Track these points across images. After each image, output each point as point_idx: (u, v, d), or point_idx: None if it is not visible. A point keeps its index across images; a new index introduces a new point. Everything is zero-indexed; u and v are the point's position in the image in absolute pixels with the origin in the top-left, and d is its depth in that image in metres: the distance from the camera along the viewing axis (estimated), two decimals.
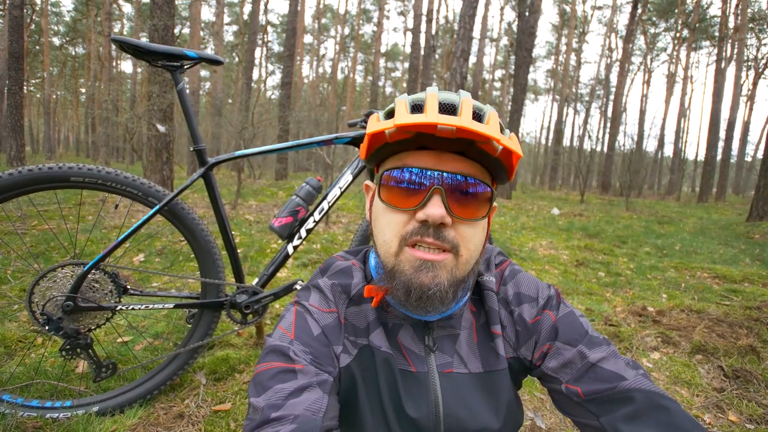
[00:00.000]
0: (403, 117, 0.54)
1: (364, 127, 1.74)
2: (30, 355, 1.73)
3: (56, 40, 29.53)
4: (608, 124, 24.64)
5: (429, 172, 0.56)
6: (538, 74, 42.19)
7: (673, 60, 28.57)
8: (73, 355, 1.35)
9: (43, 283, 1.30)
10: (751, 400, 1.75)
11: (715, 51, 21.09)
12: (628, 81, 30.49)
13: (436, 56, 21.44)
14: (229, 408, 1.51)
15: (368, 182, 0.71)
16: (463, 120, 0.52)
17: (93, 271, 1.34)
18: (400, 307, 0.62)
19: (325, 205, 1.68)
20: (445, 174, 0.56)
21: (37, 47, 25.76)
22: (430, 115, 0.52)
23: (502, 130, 0.58)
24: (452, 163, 0.57)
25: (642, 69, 32.70)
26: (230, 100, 26.85)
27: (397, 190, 0.58)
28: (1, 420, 1.26)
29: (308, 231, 1.66)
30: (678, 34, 26.73)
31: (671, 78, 28.80)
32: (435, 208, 0.55)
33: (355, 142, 1.67)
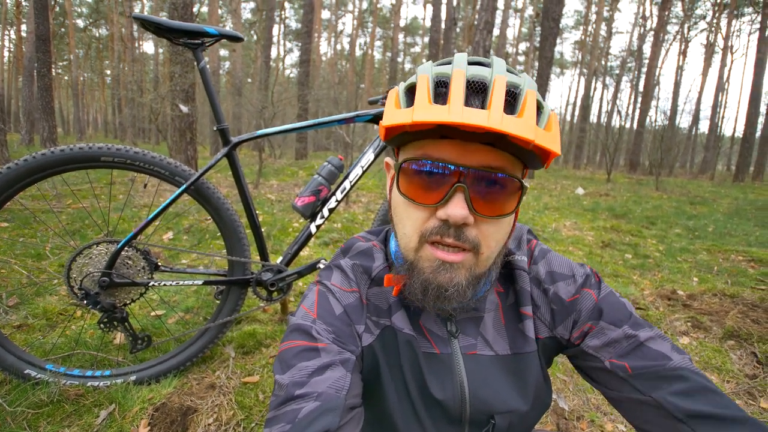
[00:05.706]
0: (422, 111, 0.48)
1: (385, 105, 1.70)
2: (70, 327, 1.83)
3: (80, 22, 30.01)
4: (639, 99, 23.42)
5: (452, 167, 0.50)
6: (565, 46, 40.52)
7: (713, 28, 26.63)
8: (110, 327, 1.42)
9: (80, 259, 1.35)
10: None
11: (759, 18, 19.45)
12: (663, 52, 28.68)
13: (458, 29, 20.69)
14: (257, 380, 1.57)
15: (388, 159, 0.65)
16: (492, 118, 0.45)
17: (126, 248, 1.39)
18: (418, 303, 0.60)
19: (347, 184, 1.67)
20: (470, 169, 0.50)
21: (63, 29, 26.26)
22: (453, 111, 0.46)
23: (539, 109, 0.52)
24: (478, 154, 0.50)
25: (678, 38, 30.62)
26: (249, 80, 26.84)
27: (417, 183, 0.53)
28: (46, 387, 1.35)
29: (330, 210, 1.66)
30: (719, 0, 24.81)
31: (710, 48, 26.94)
32: (457, 209, 0.50)
33: (377, 119, 1.64)
